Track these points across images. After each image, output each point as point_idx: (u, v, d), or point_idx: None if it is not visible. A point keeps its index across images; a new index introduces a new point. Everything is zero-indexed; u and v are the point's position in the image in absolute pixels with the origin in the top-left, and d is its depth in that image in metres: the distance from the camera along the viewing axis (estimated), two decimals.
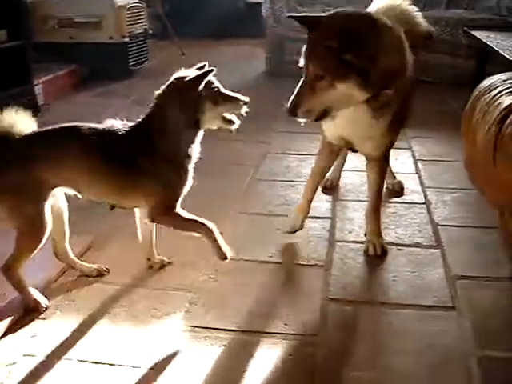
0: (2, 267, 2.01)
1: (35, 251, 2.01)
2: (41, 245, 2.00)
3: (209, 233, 2.05)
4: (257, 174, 3.18)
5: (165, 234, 2.53)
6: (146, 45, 5.80)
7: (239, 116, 2.08)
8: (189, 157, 2.07)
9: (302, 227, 2.51)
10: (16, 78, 4.32)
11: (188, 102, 2.01)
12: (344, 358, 1.84)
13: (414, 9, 2.59)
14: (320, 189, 2.95)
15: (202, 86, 1.99)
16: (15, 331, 1.95)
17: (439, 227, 2.62)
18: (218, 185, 2.94)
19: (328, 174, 3.00)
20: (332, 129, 2.33)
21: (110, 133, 2.03)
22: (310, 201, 2.54)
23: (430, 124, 4.04)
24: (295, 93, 2.05)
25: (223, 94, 2.06)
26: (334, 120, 2.19)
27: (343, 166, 3.08)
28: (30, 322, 2.00)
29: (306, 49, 2.05)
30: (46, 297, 2.09)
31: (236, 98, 2.07)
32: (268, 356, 1.83)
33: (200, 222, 2.06)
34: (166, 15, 7.17)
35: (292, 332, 1.93)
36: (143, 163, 2.00)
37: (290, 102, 2.05)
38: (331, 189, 3.02)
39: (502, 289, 2.18)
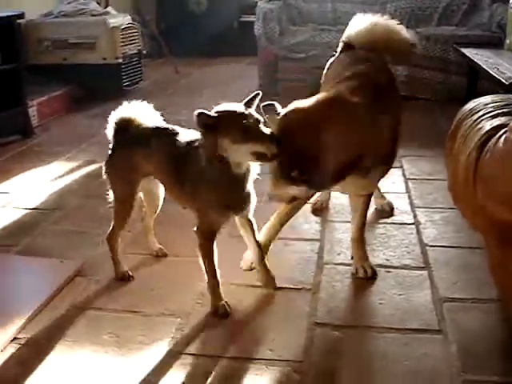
0: (106, 238, 2.39)
1: (125, 224, 2.38)
2: (128, 219, 2.36)
3: (212, 281, 2.17)
4: None
5: (152, 258, 2.56)
6: (140, 65, 5.84)
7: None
8: (235, 185, 2.05)
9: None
10: (10, 100, 4.35)
11: (204, 139, 2.00)
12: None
13: (394, 22, 2.62)
14: (310, 210, 2.98)
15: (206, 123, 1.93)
16: (3, 360, 1.95)
17: (428, 248, 2.63)
18: None
19: (318, 196, 3.02)
20: None
21: (182, 143, 2.17)
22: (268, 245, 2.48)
23: (422, 142, 4.06)
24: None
25: (248, 131, 1.91)
26: None
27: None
28: (18, 348, 2.01)
29: None
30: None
31: (263, 139, 1.92)
32: (253, 383, 1.83)
33: (215, 269, 2.17)
34: (160, 35, 7.22)
35: (278, 358, 1.93)
36: (189, 180, 2.14)
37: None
38: (321, 210, 3.03)
39: (488, 311, 2.19)
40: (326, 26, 5.78)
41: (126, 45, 5.52)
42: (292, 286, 2.33)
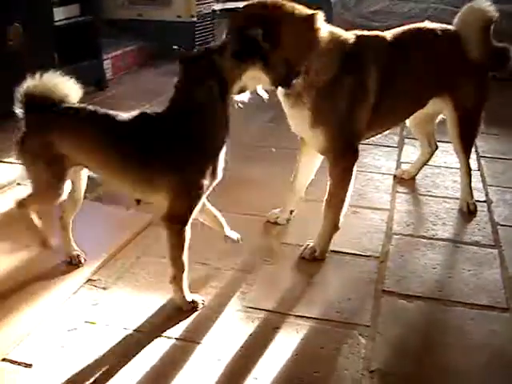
0: (17, 204, 2.06)
1: (39, 207, 2.08)
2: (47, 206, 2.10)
3: (179, 275, 1.95)
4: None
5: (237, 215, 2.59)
6: (213, 24, 5.85)
7: None
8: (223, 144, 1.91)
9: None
10: (86, 52, 4.45)
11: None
12: (394, 351, 1.86)
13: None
14: (392, 178, 3.03)
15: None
16: (78, 299, 2.04)
17: (499, 227, 2.59)
18: (284, 171, 2.95)
19: (409, 166, 3.07)
20: (292, 128, 2.34)
21: (132, 121, 1.93)
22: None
23: (497, 120, 3.94)
24: None
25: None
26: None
27: (426, 162, 3.05)
28: (91, 289, 2.09)
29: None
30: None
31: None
32: (320, 342, 1.86)
33: (183, 261, 1.94)
34: None
35: (344, 320, 1.96)
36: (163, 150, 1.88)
37: None
38: (406, 181, 3.02)
39: None
40: None
41: (200, 4, 5.54)
42: (360, 253, 2.35)
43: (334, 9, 5.59)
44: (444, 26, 2.56)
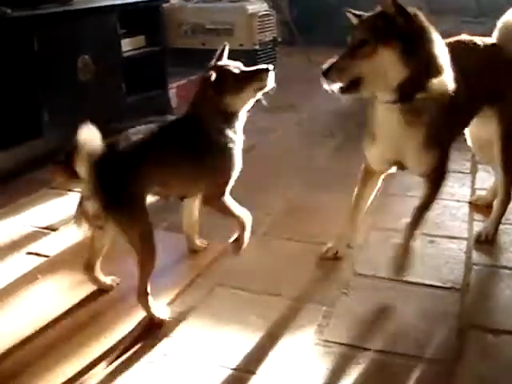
0: (138, 297, 2.02)
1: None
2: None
3: (241, 224, 2.25)
4: (389, 188, 3.12)
5: (294, 244, 2.54)
6: (275, 52, 5.86)
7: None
8: (232, 141, 2.18)
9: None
10: (153, 82, 4.51)
11: (209, 99, 2.17)
12: None
13: None
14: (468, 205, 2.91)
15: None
16: (152, 330, 2.03)
17: None
18: (349, 199, 2.90)
19: (485, 192, 2.94)
20: (376, 154, 2.24)
21: (178, 129, 2.18)
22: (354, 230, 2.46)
23: None
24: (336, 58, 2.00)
25: (239, 78, 2.19)
26: (374, 143, 2.19)
27: None
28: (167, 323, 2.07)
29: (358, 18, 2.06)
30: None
31: (254, 74, 2.20)
32: (404, 379, 1.79)
33: (237, 213, 2.24)
34: (293, 21, 7.20)
35: (429, 356, 1.87)
36: (204, 153, 2.13)
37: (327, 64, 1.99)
38: (483, 208, 2.87)
39: None
40: (469, 17, 5.57)
41: (262, 32, 5.55)
42: (441, 285, 2.25)
43: None
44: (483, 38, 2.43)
